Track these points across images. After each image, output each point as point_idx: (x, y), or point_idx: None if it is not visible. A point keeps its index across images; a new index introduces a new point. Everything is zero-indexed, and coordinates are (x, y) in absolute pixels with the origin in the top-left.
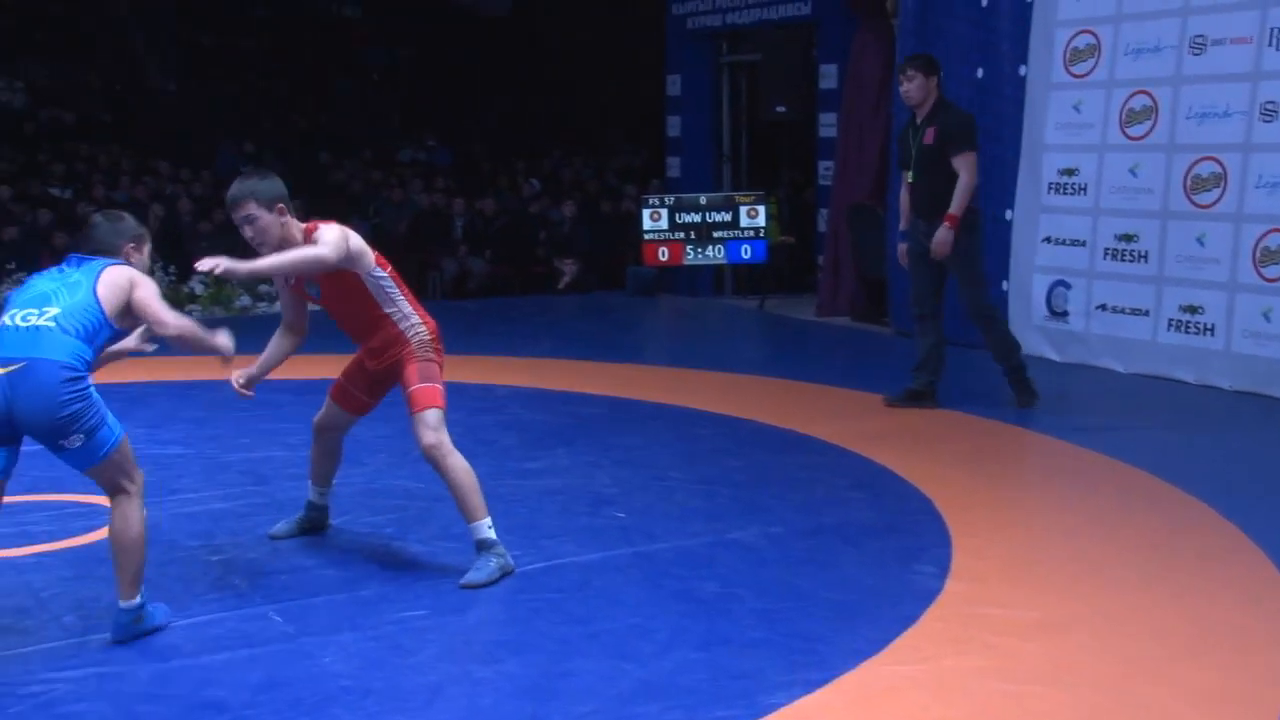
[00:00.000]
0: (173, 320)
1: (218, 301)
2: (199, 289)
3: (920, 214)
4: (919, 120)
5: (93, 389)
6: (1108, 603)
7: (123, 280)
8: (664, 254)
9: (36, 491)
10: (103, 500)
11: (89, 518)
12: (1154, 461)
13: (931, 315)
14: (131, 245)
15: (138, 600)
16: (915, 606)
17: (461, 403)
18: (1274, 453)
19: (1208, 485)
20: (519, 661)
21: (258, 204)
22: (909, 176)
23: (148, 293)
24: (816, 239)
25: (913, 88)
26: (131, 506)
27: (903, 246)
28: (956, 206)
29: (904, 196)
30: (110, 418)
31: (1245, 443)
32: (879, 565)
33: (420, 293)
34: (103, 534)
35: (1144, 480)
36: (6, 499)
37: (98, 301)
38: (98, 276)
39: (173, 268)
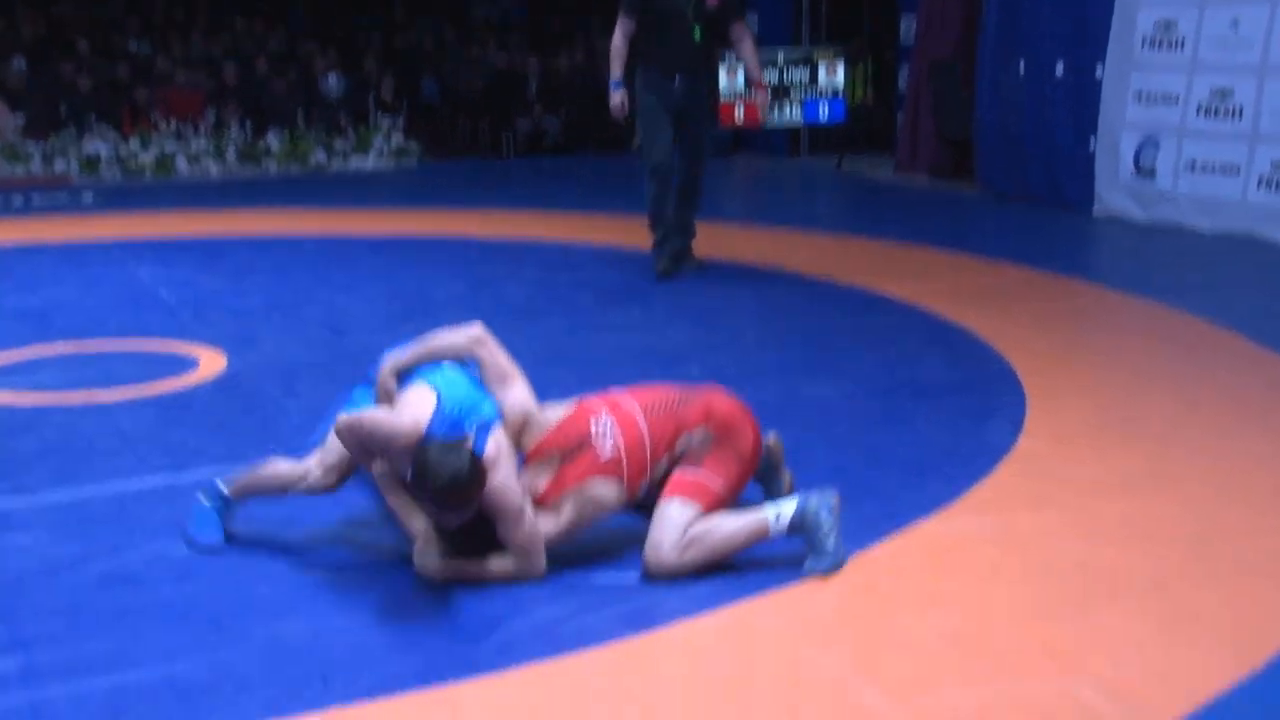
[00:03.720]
0: None
1: (294, 157)
2: (274, 144)
3: (681, 71)
4: None
5: None
6: (1188, 463)
7: None
8: (740, 114)
9: (123, 335)
10: (188, 348)
11: (174, 366)
12: (1243, 322)
13: (673, 173)
14: None
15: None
16: (988, 462)
17: (539, 259)
18: None
19: None
20: None
21: None
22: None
23: None
24: (896, 97)
25: None
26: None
27: (619, 96)
28: (763, 73)
29: (621, 45)
30: None
31: None
32: (953, 423)
33: (495, 151)
34: (188, 381)
35: (1231, 341)
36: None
37: None
38: None
39: (249, 122)
